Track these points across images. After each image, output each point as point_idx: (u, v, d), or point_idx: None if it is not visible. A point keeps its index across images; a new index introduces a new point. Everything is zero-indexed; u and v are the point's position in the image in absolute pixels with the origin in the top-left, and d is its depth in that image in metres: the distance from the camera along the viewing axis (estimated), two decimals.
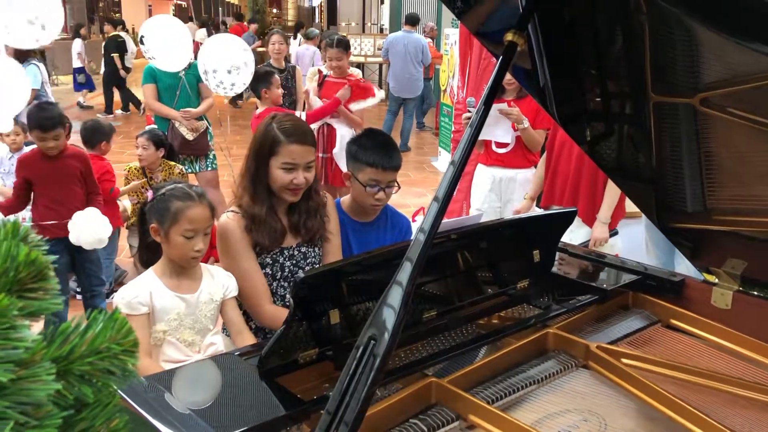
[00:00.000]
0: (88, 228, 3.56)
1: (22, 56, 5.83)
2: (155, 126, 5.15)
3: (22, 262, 0.53)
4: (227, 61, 4.86)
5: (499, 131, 3.83)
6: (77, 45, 13.01)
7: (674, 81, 1.50)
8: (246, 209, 2.13)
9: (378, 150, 2.33)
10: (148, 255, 2.18)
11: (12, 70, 3.87)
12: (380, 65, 13.62)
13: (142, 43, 4.99)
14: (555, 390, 1.55)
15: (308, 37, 10.88)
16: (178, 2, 36.16)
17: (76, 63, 12.95)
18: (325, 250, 2.26)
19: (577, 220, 3.43)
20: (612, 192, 3.36)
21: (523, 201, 3.86)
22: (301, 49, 10.68)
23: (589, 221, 3.49)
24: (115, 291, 4.49)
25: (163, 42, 4.95)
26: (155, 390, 1.34)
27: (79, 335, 0.56)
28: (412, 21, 10.38)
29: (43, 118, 3.60)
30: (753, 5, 1.13)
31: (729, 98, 1.41)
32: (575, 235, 3.43)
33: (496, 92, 1.49)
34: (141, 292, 2.00)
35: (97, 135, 4.48)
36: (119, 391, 0.62)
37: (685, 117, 1.54)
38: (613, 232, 3.51)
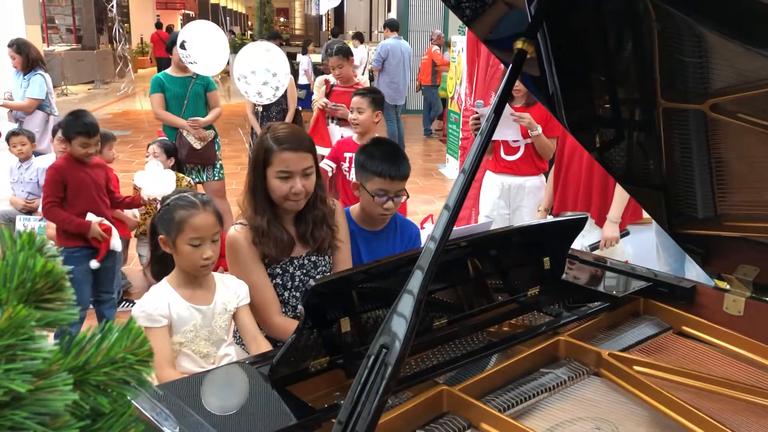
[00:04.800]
0: (155, 183, 4.00)
1: (30, 67, 5.87)
2: (166, 138, 5.18)
3: (39, 273, 0.54)
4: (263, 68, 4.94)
5: (509, 131, 3.82)
6: (305, 62, 11.90)
7: (684, 87, 1.49)
8: (250, 222, 2.13)
9: (386, 159, 2.33)
10: (159, 267, 2.19)
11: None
12: None
13: (183, 48, 5.02)
14: (567, 398, 1.54)
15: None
16: (186, 12, 36.42)
17: (303, 80, 11.15)
18: (335, 259, 2.26)
19: (590, 222, 3.43)
20: (622, 191, 3.35)
21: (538, 213, 3.85)
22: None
23: (602, 223, 3.49)
24: (125, 300, 4.55)
25: (205, 48, 5.03)
26: (168, 398, 1.35)
27: (94, 345, 0.56)
28: (397, 27, 10.43)
29: (88, 123, 3.64)
30: (764, 12, 1.13)
31: (739, 104, 1.41)
32: (587, 238, 3.42)
33: (506, 100, 1.49)
34: (160, 304, 2.00)
35: None
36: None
37: (695, 123, 1.54)
38: (624, 232, 3.50)
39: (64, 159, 3.75)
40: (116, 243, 3.80)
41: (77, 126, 3.62)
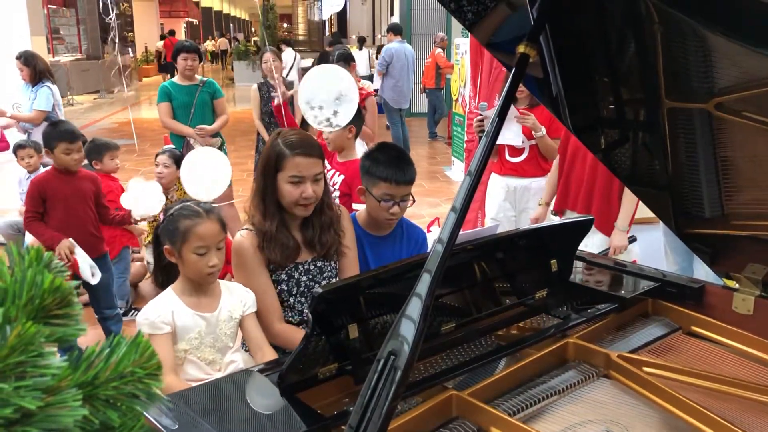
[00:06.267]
0: (141, 201, 3.84)
1: (37, 78, 5.90)
2: (173, 146, 5.19)
3: (47, 289, 0.54)
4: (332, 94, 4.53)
5: (509, 133, 3.82)
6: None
7: (688, 86, 1.49)
8: (258, 227, 2.14)
9: (391, 164, 2.33)
10: (163, 276, 2.20)
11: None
12: None
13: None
14: (576, 400, 1.54)
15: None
16: (189, 20, 36.56)
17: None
18: (341, 265, 2.27)
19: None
20: (629, 199, 3.33)
21: (539, 208, 3.84)
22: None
23: (603, 227, 3.46)
24: (133, 309, 4.56)
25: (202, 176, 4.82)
26: (178, 408, 1.35)
27: (103, 360, 0.57)
28: (401, 30, 10.44)
29: (66, 130, 3.61)
30: (765, 12, 1.13)
31: (744, 102, 1.40)
32: (589, 241, 3.40)
33: (509, 104, 1.49)
34: (163, 312, 2.02)
35: (90, 154, 4.42)
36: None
37: (700, 122, 1.54)
38: (631, 239, 3.48)
39: (47, 172, 3.71)
40: (86, 273, 3.59)
41: (57, 133, 3.58)
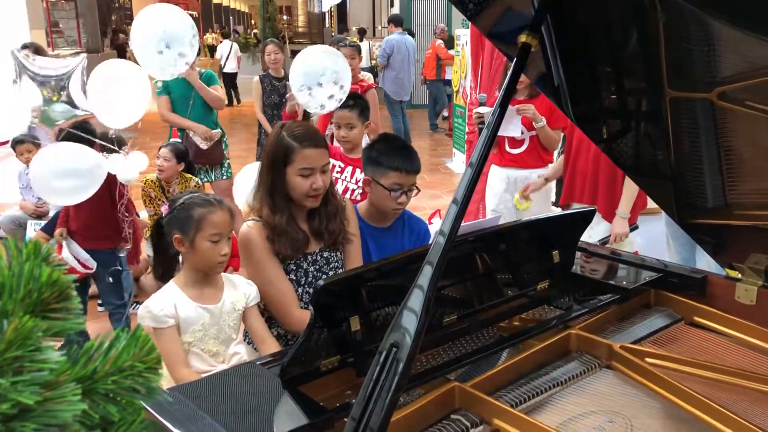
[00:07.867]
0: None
1: None
2: (179, 139, 5.16)
3: (45, 283, 0.53)
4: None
5: (509, 126, 3.81)
6: None
7: (691, 76, 1.48)
8: (266, 220, 2.13)
9: (400, 154, 2.35)
10: (163, 268, 2.20)
11: None
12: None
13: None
14: (579, 391, 1.54)
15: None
16: (189, 12, 36.43)
17: None
18: (347, 252, 2.27)
19: (597, 216, 3.41)
20: (630, 186, 3.34)
21: (537, 179, 3.84)
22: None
23: (610, 217, 3.47)
24: (136, 302, 4.56)
25: None
26: (180, 401, 1.35)
27: (102, 354, 0.56)
28: (401, 22, 10.42)
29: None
30: None
31: (747, 91, 1.39)
32: (595, 231, 3.41)
33: (511, 94, 1.48)
34: (166, 305, 2.01)
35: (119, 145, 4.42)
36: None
37: (703, 112, 1.53)
38: (633, 227, 3.48)
39: None
40: (73, 263, 3.61)
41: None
